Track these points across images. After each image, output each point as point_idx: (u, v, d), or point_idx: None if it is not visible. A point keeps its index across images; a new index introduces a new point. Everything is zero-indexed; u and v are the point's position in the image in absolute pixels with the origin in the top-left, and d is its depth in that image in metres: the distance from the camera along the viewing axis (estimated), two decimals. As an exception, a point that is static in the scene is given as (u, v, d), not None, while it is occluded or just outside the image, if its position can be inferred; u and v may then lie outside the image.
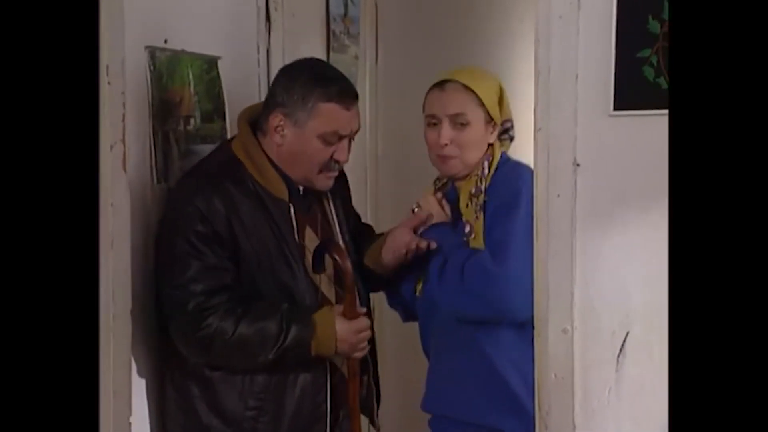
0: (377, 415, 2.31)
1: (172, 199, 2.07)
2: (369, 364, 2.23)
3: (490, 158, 2.22)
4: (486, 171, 2.20)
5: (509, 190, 2.12)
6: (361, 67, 3.32)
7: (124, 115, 1.86)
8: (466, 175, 2.23)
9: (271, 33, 2.65)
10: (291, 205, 2.08)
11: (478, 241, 2.14)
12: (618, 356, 1.66)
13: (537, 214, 1.70)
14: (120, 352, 1.87)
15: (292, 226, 2.07)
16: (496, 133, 2.24)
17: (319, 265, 2.07)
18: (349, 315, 2.04)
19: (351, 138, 2.10)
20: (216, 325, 1.97)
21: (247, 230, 2.01)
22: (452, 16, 3.63)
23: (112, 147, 1.82)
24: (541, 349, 1.71)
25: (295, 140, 2.04)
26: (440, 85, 2.22)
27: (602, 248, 1.65)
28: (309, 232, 2.13)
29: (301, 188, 2.12)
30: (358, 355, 2.08)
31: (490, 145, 2.24)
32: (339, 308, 2.05)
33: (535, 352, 1.73)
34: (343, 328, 2.03)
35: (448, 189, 2.30)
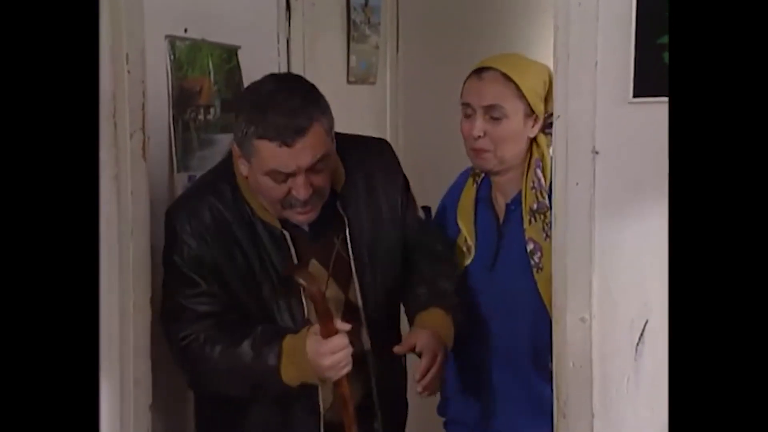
0: None
1: (166, 214, 1.95)
2: (372, 390, 2.01)
3: (541, 163, 2.08)
4: (542, 181, 2.06)
5: None
6: (381, 57, 3.32)
7: (143, 104, 1.87)
8: (502, 170, 2.11)
9: (291, 23, 2.65)
10: (286, 232, 1.91)
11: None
12: (637, 345, 1.65)
13: (555, 203, 1.69)
14: (140, 340, 1.89)
15: (290, 256, 1.89)
16: (537, 127, 2.09)
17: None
18: (325, 333, 1.80)
19: (309, 171, 1.81)
20: (197, 354, 1.87)
21: (233, 256, 1.88)
22: (474, 5, 3.62)
23: (131, 135, 1.83)
24: (560, 338, 1.70)
25: (251, 175, 1.85)
26: (479, 72, 2.09)
27: (621, 236, 1.63)
28: (314, 265, 1.93)
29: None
30: (343, 373, 1.83)
31: (534, 141, 2.10)
32: (316, 327, 1.82)
33: (553, 341, 1.72)
34: (314, 349, 1.80)
35: (481, 180, 2.19)
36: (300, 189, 1.80)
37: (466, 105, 2.10)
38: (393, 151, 2.12)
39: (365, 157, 2.02)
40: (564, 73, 1.64)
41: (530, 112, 2.08)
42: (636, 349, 1.65)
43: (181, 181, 2.15)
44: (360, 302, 1.96)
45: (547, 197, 2.05)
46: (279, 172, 1.79)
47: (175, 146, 2.12)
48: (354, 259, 1.95)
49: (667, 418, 1.29)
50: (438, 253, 2.12)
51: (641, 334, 1.64)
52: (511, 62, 2.11)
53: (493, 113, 2.05)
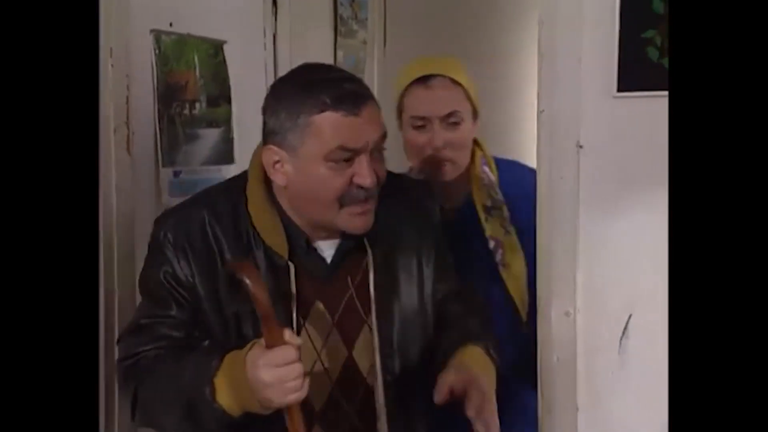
0: None
1: (155, 222, 1.69)
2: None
3: (485, 160, 2.08)
4: (491, 177, 2.06)
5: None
6: (369, 52, 3.31)
7: (128, 98, 1.87)
8: (455, 178, 2.06)
9: (278, 17, 2.65)
10: (291, 264, 1.61)
11: (516, 263, 1.96)
12: (621, 339, 1.65)
13: (540, 197, 1.69)
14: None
15: (289, 293, 1.59)
16: (477, 125, 2.08)
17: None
18: (270, 343, 1.44)
19: (373, 152, 1.57)
20: (143, 370, 1.60)
21: (216, 285, 1.60)
22: (460, 1, 3.62)
23: (115, 130, 1.83)
24: (544, 332, 1.70)
25: (298, 174, 1.57)
26: (423, 81, 2.02)
27: (605, 231, 1.63)
28: (318, 310, 1.63)
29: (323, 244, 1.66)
30: (291, 398, 1.44)
31: (474, 141, 2.09)
32: (263, 339, 1.46)
33: (538, 335, 1.72)
34: (253, 359, 1.43)
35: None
36: (365, 173, 1.54)
37: (417, 118, 2.02)
38: (433, 196, 1.85)
39: (401, 197, 1.74)
40: (549, 67, 1.64)
41: (475, 112, 2.07)
42: (620, 343, 1.66)
43: (167, 176, 2.14)
44: (378, 363, 1.64)
45: (499, 192, 2.04)
46: (345, 149, 1.53)
47: (161, 141, 2.12)
48: (376, 303, 1.64)
49: (652, 411, 1.29)
50: (461, 291, 1.85)
51: (626, 328, 1.65)
52: (448, 65, 2.06)
53: (450, 119, 2.01)
